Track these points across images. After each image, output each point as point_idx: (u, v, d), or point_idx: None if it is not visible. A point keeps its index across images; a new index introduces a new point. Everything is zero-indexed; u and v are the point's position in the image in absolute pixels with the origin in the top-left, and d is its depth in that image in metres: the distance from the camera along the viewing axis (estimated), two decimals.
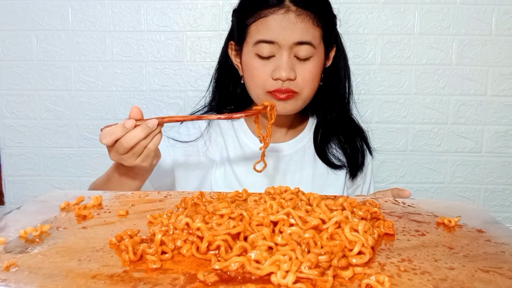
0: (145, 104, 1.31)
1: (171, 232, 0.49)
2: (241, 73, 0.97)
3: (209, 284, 0.39)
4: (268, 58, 0.89)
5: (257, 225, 0.49)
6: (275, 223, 0.49)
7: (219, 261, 0.43)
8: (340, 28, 1.01)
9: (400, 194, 0.78)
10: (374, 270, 0.42)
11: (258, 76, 0.90)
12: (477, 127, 1.32)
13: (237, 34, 0.95)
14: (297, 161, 1.01)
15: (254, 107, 0.78)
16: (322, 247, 0.44)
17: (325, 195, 0.68)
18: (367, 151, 1.05)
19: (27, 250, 0.47)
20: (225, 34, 1.04)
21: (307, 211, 0.52)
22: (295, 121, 1.03)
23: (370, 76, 1.30)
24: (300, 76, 0.89)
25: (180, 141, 0.98)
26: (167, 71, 1.31)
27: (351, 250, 0.45)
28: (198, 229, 0.47)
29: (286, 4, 0.87)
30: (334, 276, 0.41)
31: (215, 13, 1.28)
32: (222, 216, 0.50)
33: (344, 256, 0.45)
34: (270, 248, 0.45)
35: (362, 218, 0.54)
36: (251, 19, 0.90)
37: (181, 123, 1.02)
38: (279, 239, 0.45)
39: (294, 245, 0.44)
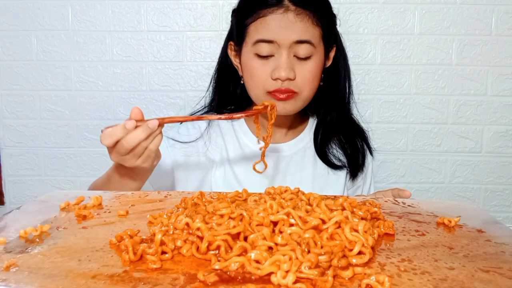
0: (145, 104, 1.31)
1: (171, 232, 0.49)
2: (240, 73, 0.97)
3: (209, 284, 0.39)
4: (267, 58, 0.89)
5: (257, 225, 0.49)
6: (275, 223, 0.49)
7: (219, 261, 0.43)
8: (340, 28, 1.01)
9: (401, 194, 0.78)
10: (374, 270, 0.42)
11: (258, 76, 0.90)
12: (477, 127, 1.32)
13: (236, 34, 0.95)
14: (297, 162, 1.01)
15: (254, 107, 0.78)
16: (322, 247, 0.44)
17: (325, 195, 0.68)
18: (368, 151, 1.05)
19: (27, 250, 0.47)
20: (225, 34, 1.04)
21: (307, 211, 0.52)
22: (295, 122, 1.03)
23: (370, 76, 1.30)
24: (299, 76, 0.89)
25: (180, 142, 0.98)
26: (167, 71, 1.31)
27: (351, 250, 0.45)
28: (198, 229, 0.47)
29: (285, 3, 0.87)
30: (334, 276, 0.41)
31: (215, 13, 1.28)
32: (222, 216, 0.50)
33: (344, 256, 0.45)
34: (270, 248, 0.45)
35: (362, 218, 0.54)
36: (250, 19, 0.90)
37: (181, 123, 1.02)
38: (279, 239, 0.45)
39: (294, 245, 0.44)
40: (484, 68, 1.29)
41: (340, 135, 1.03)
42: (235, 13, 0.97)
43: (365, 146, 1.05)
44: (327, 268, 0.42)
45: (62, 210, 0.61)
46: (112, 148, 0.71)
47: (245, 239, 0.47)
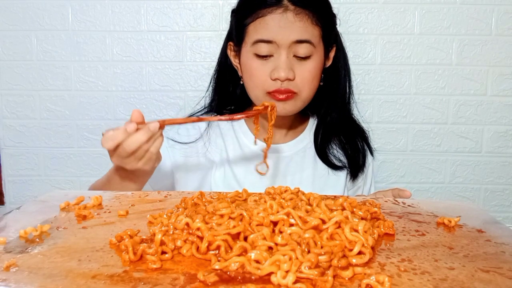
0: (145, 104, 1.31)
1: (171, 232, 0.49)
2: (240, 73, 0.97)
3: (209, 284, 0.39)
4: (266, 58, 0.88)
5: (257, 225, 0.49)
6: (275, 223, 0.49)
7: (219, 261, 0.43)
8: (340, 28, 1.01)
9: (401, 194, 0.78)
10: (374, 270, 0.42)
11: (257, 76, 0.90)
12: (477, 127, 1.32)
13: (236, 35, 0.94)
14: (297, 162, 1.00)
15: (255, 108, 0.77)
16: (322, 247, 0.44)
17: (325, 195, 0.68)
18: (368, 151, 1.05)
19: (27, 250, 0.47)
20: (225, 34, 1.04)
21: (307, 211, 0.52)
22: (295, 122, 1.03)
23: (370, 76, 1.30)
24: (299, 76, 0.89)
25: (180, 143, 0.98)
26: (167, 71, 1.31)
27: (351, 250, 0.45)
28: (198, 229, 0.47)
29: (284, 3, 0.87)
30: (334, 276, 0.41)
31: (215, 13, 1.28)
32: (222, 216, 0.50)
33: (344, 256, 0.45)
34: (270, 248, 0.45)
35: (362, 218, 0.54)
36: (249, 19, 0.89)
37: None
38: (279, 239, 0.45)
39: (294, 245, 0.44)
40: (484, 68, 1.29)
41: (341, 135, 1.02)
42: (235, 13, 0.96)
43: (366, 146, 1.04)
44: (327, 268, 0.42)
45: (62, 210, 0.61)
46: (113, 151, 0.71)
47: (245, 239, 0.47)
